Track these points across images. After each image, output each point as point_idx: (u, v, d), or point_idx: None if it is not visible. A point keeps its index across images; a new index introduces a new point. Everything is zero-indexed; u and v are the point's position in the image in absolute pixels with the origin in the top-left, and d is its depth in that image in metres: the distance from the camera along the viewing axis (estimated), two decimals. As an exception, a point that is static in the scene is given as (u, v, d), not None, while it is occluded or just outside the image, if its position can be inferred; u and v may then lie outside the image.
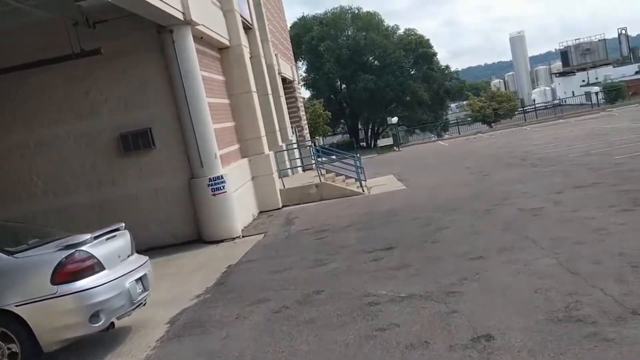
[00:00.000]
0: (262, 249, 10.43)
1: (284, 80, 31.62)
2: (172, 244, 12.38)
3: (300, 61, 62.65)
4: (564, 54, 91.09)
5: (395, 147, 40.81)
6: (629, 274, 5.54)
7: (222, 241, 12.18)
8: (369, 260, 7.95)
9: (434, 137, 52.18)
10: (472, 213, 10.45)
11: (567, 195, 10.68)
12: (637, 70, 76.54)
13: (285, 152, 20.42)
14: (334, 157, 23.50)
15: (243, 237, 12.52)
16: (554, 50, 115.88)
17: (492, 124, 47.60)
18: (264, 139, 16.90)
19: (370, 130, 64.22)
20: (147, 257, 6.69)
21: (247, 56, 16.99)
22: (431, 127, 55.91)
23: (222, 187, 12.27)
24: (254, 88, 16.81)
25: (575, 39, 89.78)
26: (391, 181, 19.36)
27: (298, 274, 7.82)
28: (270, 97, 20.52)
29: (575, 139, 23.06)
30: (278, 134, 20.58)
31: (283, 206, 16.71)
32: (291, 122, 33.17)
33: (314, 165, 22.06)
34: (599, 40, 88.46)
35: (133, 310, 6.13)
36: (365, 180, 18.57)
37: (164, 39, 12.14)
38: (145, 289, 6.32)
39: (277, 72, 24.47)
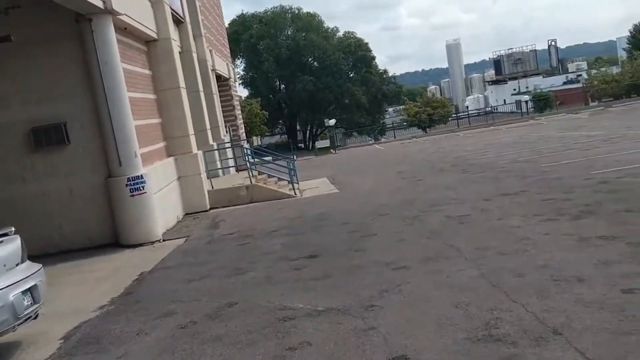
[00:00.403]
0: (181, 254, 9.85)
1: (219, 77, 30.84)
2: (87, 247, 11.61)
3: (239, 59, 61.82)
4: (497, 63, 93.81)
5: (332, 150, 40.69)
6: (551, 288, 5.36)
7: (140, 245, 11.50)
8: (291, 269, 7.55)
9: (371, 140, 52.47)
10: (401, 219, 10.23)
11: (494, 202, 10.64)
12: (565, 80, 79.84)
13: (217, 151, 19.76)
14: (268, 158, 23.04)
15: (164, 240, 11.88)
16: (488, 59, 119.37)
17: (427, 129, 48.27)
18: (192, 138, 16.24)
19: (308, 131, 64.00)
20: (40, 265, 6.03)
21: (176, 50, 16.30)
22: (369, 131, 56.25)
23: (141, 188, 11.58)
24: (182, 84, 16.14)
25: (508, 49, 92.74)
26: (325, 184, 19.07)
27: (213, 284, 7.32)
28: (202, 94, 19.87)
29: (505, 146, 23.49)
30: (209, 132, 19.93)
31: (211, 208, 16.10)
32: (225, 121, 32.45)
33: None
34: (530, 50, 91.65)
35: (19, 325, 5.48)
36: (298, 183, 18.19)
37: (82, 28, 11.35)
38: (35, 302, 5.67)
39: (210, 68, 23.79)
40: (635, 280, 5.28)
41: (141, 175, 11.63)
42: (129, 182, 11.49)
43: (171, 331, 5.65)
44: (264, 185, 17.17)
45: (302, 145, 62.11)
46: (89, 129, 11.70)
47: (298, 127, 64.81)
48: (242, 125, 39.24)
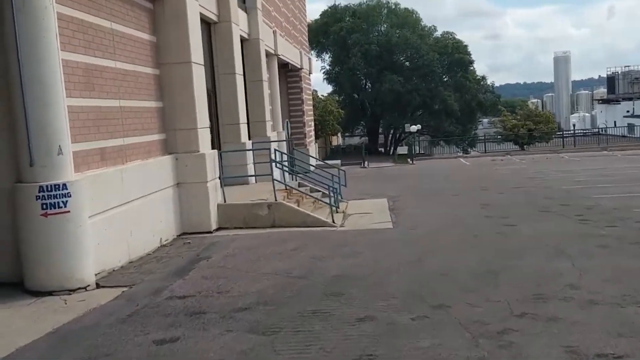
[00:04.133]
0: (55, 342, 5.38)
1: (285, 65, 26.67)
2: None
3: (327, 53, 57.59)
4: (610, 80, 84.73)
5: (408, 160, 35.45)
6: None
7: (50, 294, 7.25)
8: None
9: (459, 151, 46.68)
10: (470, 334, 5.30)
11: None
12: (690, 107, 69.95)
13: (251, 152, 15.28)
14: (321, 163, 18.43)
15: (97, 287, 7.64)
16: (597, 77, 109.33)
17: (525, 146, 41.93)
18: (201, 132, 11.88)
19: (391, 135, 58.73)
20: None
21: (193, 13, 12.03)
22: (457, 141, 50.28)
23: (61, 204, 7.29)
24: (195, 58, 11.84)
25: (625, 66, 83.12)
26: (380, 209, 14.22)
27: None
28: (238, 77, 15.58)
29: (633, 180, 17.61)
30: (242, 127, 15.63)
31: (219, 228, 11.79)
32: (290, 117, 28.30)
33: (293, 174, 17.02)
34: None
35: None
36: (338, 206, 13.52)
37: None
38: None
39: (265, 50, 19.46)
40: None
41: (64, 185, 7.32)
42: (41, 193, 7.23)
43: None
44: (292, 206, 12.52)
45: (383, 149, 57.01)
46: (-6, 104, 7.54)
47: (380, 130, 59.62)
48: (311, 123, 34.80)
